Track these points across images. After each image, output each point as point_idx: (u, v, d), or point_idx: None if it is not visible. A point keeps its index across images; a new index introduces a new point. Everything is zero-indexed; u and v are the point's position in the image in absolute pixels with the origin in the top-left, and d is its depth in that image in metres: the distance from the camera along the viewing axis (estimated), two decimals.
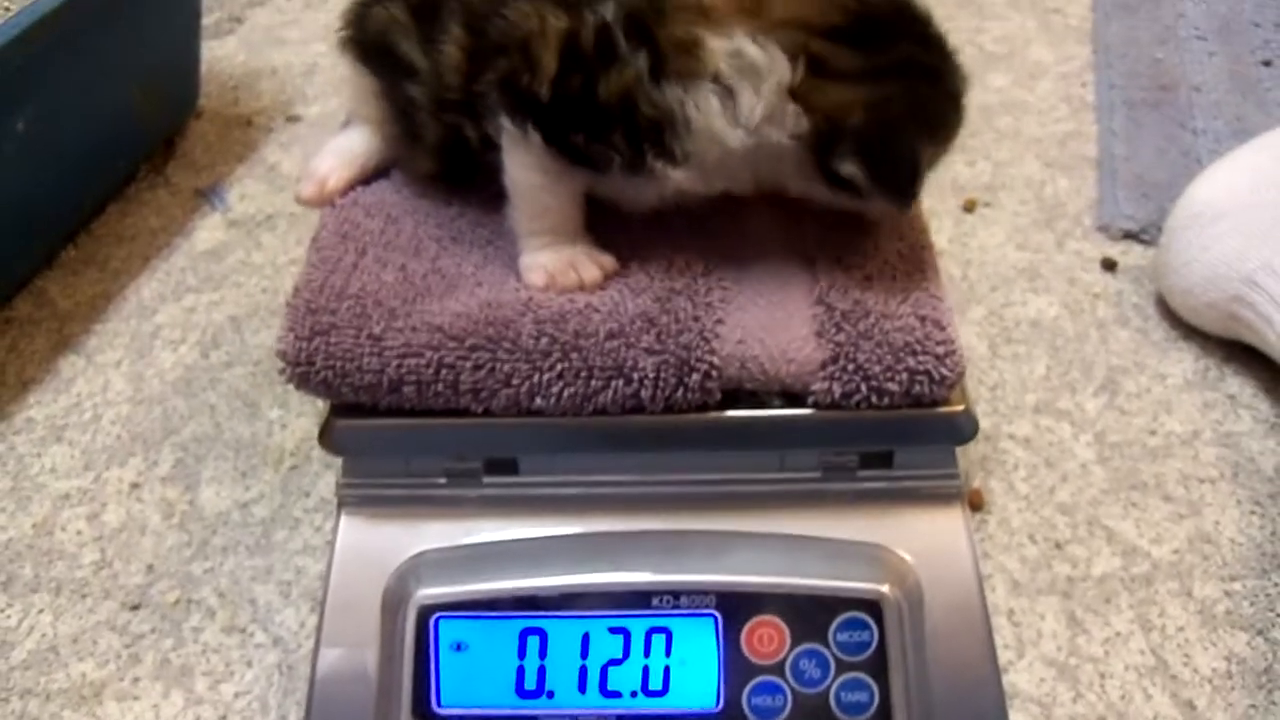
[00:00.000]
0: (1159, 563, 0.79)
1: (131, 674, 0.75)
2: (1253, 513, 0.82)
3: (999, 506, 0.82)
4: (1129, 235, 1.04)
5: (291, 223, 1.09)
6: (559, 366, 0.60)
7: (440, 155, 0.68)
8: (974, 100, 1.21)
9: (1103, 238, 1.05)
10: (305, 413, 0.90)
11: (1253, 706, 0.71)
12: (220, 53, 1.32)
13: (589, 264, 0.65)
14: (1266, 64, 1.21)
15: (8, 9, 0.94)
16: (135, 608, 0.78)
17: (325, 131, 0.73)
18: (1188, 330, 0.95)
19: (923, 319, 0.62)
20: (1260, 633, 0.75)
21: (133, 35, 1.07)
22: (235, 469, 0.87)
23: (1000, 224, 1.06)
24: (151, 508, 0.85)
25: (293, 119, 1.24)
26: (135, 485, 0.86)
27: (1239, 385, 0.91)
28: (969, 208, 1.07)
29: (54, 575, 0.81)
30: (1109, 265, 1.01)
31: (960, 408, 0.62)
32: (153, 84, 1.12)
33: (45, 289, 1.03)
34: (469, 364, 0.60)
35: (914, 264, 0.66)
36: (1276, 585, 0.78)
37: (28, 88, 0.94)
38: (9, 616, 0.78)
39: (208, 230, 1.09)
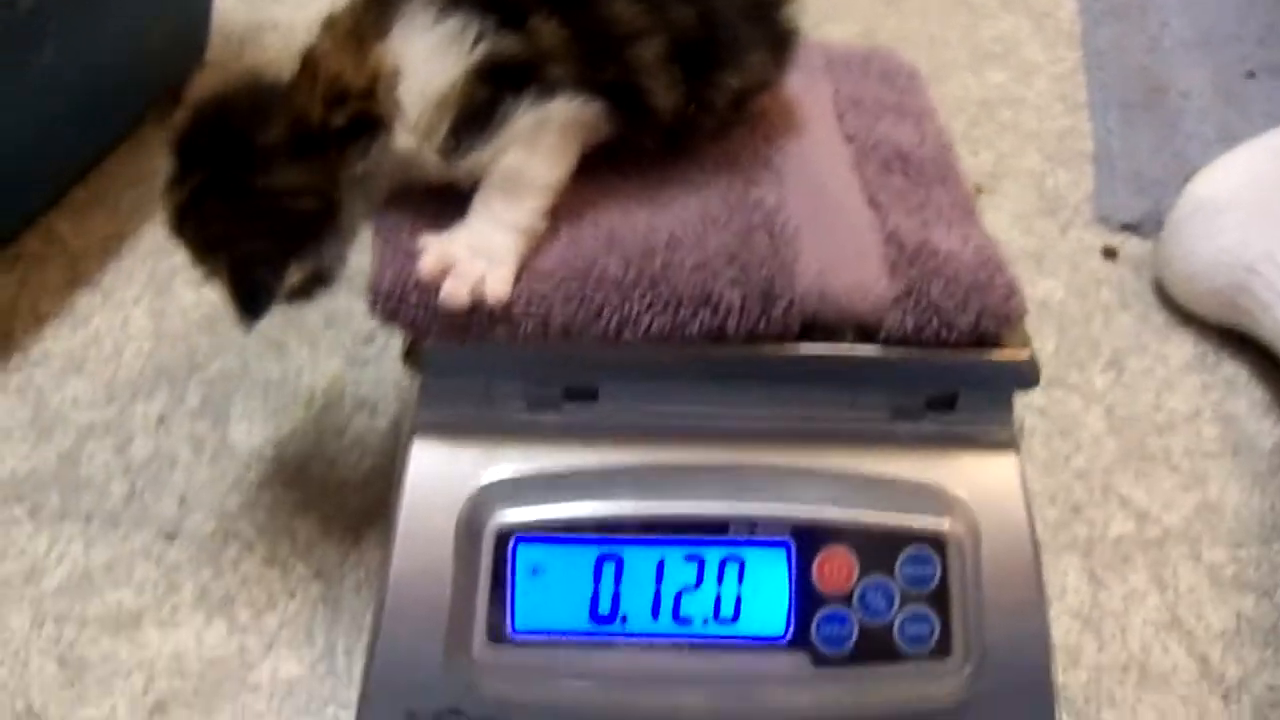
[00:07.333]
0: (1170, 528, 0.83)
1: (170, 602, 0.75)
2: (1254, 486, 0.86)
3: None
4: (1126, 227, 1.08)
5: None
6: (648, 297, 0.61)
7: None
8: (974, 94, 1.25)
9: (1102, 228, 1.08)
10: (335, 353, 0.90)
11: (1262, 661, 0.75)
12: (223, 5, 1.31)
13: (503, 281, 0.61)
14: (1251, 75, 1.26)
15: None
16: (171, 537, 0.78)
17: None
18: (1185, 317, 0.99)
19: (984, 261, 0.64)
20: (1266, 594, 0.79)
21: None
22: (265, 406, 0.87)
23: (1005, 210, 1.09)
24: (181, 441, 0.84)
25: None
26: (163, 419, 0.86)
27: (1235, 370, 0.95)
28: (976, 192, 1.10)
29: (83, 505, 0.80)
30: (1110, 253, 1.05)
31: (1026, 353, 0.64)
32: (166, 26, 1.11)
33: (54, 226, 1.02)
34: (559, 296, 0.61)
35: (963, 212, 0.69)
36: (1279, 553, 0.81)
37: (56, 17, 0.93)
38: (37, 543, 0.78)
39: None
